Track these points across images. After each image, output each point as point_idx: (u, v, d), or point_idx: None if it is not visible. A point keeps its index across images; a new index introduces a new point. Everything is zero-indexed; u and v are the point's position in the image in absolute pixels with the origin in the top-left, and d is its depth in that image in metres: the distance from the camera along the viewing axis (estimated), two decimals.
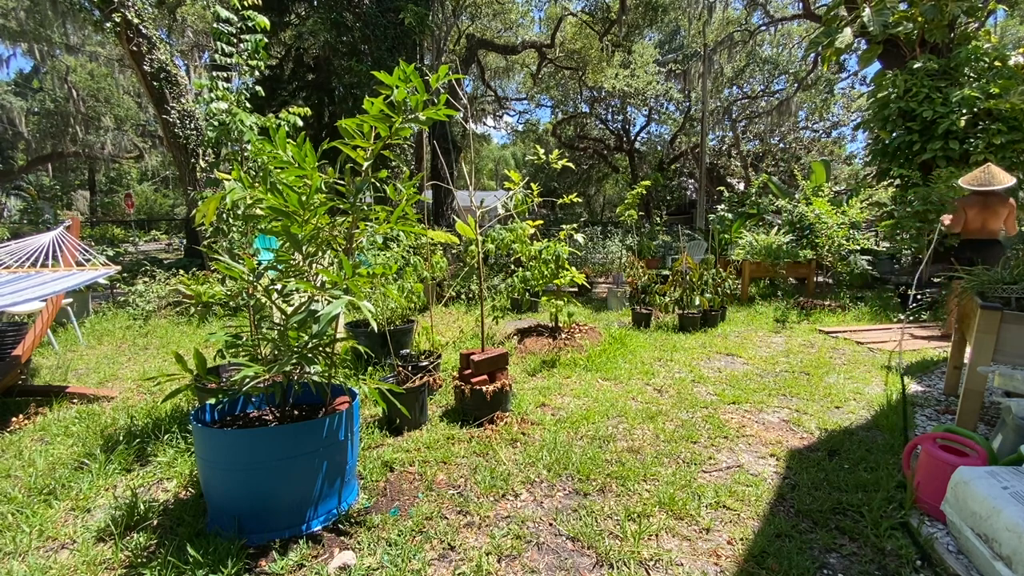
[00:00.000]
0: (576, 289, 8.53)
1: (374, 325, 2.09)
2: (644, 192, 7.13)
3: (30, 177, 25.09)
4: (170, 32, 15.47)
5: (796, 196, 8.84)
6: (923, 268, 5.77)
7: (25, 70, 24.71)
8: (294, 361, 2.07)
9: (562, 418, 3.15)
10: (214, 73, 3.14)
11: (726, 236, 9.79)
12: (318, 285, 2.02)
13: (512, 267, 8.20)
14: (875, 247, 7.92)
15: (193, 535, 1.93)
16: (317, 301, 2.08)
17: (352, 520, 2.09)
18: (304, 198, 2.01)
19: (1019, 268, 2.73)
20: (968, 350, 2.77)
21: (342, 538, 2.00)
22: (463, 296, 7.65)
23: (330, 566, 1.82)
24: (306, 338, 2.09)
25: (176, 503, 2.23)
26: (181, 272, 7.36)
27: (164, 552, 1.83)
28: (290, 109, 3.31)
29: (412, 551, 1.89)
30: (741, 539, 1.96)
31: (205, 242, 3.16)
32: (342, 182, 2.24)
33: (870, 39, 7.83)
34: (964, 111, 6.89)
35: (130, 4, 7.36)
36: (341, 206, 2.17)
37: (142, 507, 2.13)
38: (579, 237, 5.67)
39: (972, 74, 7.28)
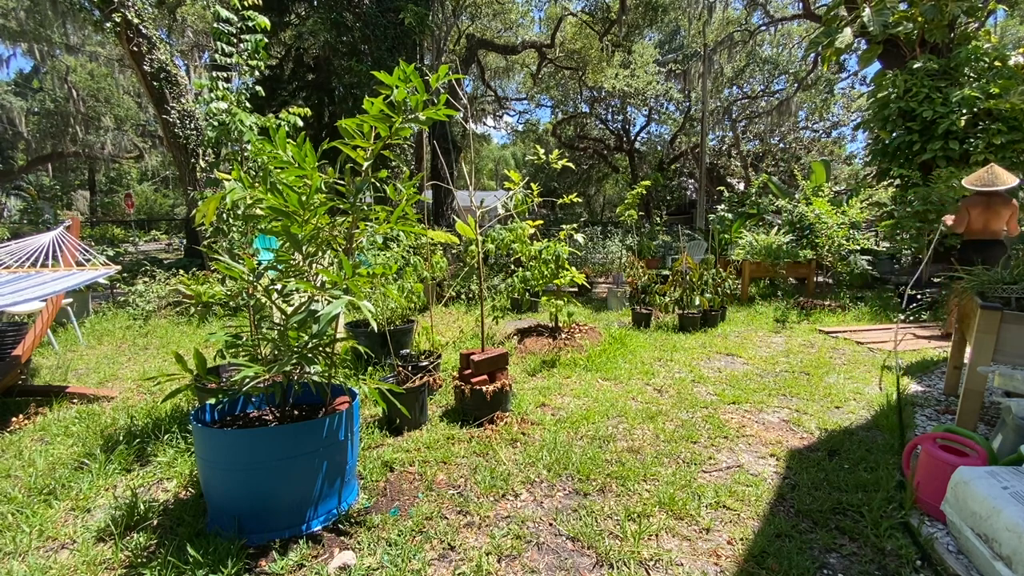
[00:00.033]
0: (576, 289, 8.53)
1: (374, 325, 2.09)
2: (644, 192, 7.13)
3: (30, 177, 25.09)
4: (170, 32, 15.47)
5: (796, 196, 8.85)
6: (923, 268, 5.77)
7: (25, 70, 24.74)
8: (294, 361, 2.07)
9: (562, 418, 3.15)
10: (214, 73, 3.14)
11: (726, 236, 9.79)
12: (318, 285, 2.02)
13: (512, 267, 8.20)
14: (875, 247, 7.92)
15: (193, 535, 1.93)
16: (317, 301, 2.08)
17: (352, 520, 2.09)
18: (304, 198, 2.01)
19: (1019, 268, 2.73)
20: (968, 350, 2.77)
21: (342, 538, 2.00)
22: (463, 296, 7.65)
23: (330, 566, 1.82)
24: (306, 338, 2.09)
25: (176, 503, 2.23)
26: (181, 272, 7.36)
27: (164, 552, 1.83)
28: (290, 109, 3.31)
29: (412, 551, 1.89)
30: (741, 539, 1.96)
31: (205, 242, 3.16)
32: (342, 182, 2.24)
33: (870, 39, 7.83)
34: (964, 111, 6.89)
35: (130, 4, 7.36)
36: (341, 206, 2.17)
37: (142, 507, 2.13)
38: (579, 237, 5.67)
39: (972, 74, 7.28)
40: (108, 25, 7.24)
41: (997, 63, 7.11)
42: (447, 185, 10.07)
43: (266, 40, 3.26)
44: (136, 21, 7.37)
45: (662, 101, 21.00)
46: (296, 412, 2.35)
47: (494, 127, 30.89)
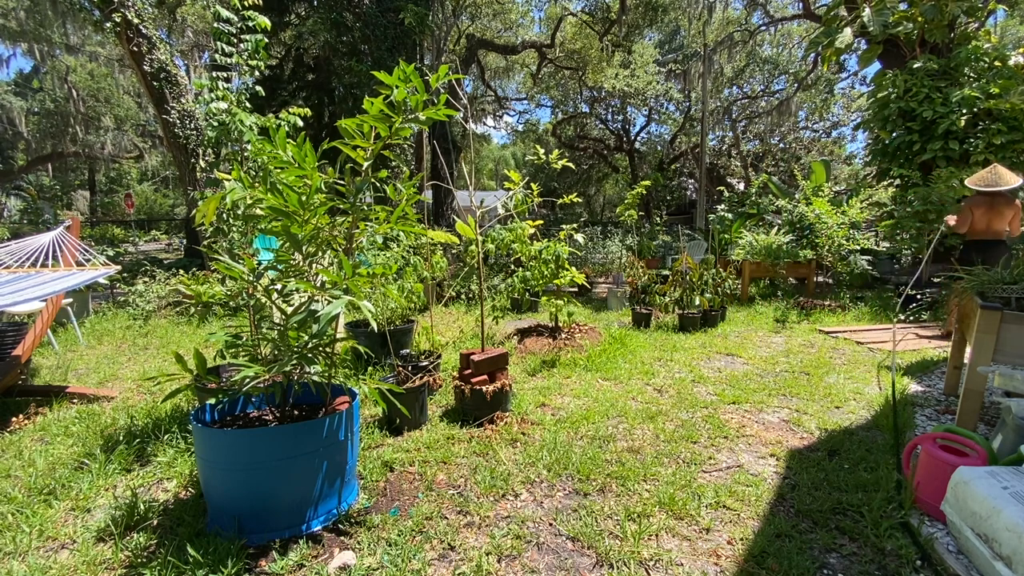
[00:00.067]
0: (576, 289, 8.53)
1: (374, 325, 2.09)
2: (644, 192, 7.13)
3: (30, 177, 25.09)
4: (170, 32, 15.47)
5: (796, 196, 8.85)
6: (923, 268, 5.77)
7: (25, 70, 24.75)
8: (294, 361, 2.07)
9: (562, 418, 3.15)
10: (214, 73, 3.14)
11: (726, 236, 9.79)
12: (318, 285, 2.02)
13: (512, 267, 8.20)
14: (875, 247, 7.92)
15: (193, 535, 1.93)
16: (317, 301, 2.08)
17: (352, 520, 2.09)
18: (304, 198, 2.01)
19: (1019, 268, 2.73)
20: (968, 350, 2.77)
21: (342, 538, 2.00)
22: (463, 296, 7.65)
23: (330, 566, 1.82)
24: (306, 338, 2.09)
25: (176, 503, 2.23)
26: (181, 272, 7.36)
27: (164, 552, 1.83)
28: (290, 109, 3.31)
29: (412, 551, 1.89)
30: (741, 539, 1.96)
31: (205, 242, 3.16)
32: (342, 182, 2.24)
33: (870, 39, 7.83)
34: (964, 111, 6.89)
35: (130, 4, 7.36)
36: (341, 206, 2.17)
37: (142, 507, 2.13)
38: (579, 237, 5.67)
39: (972, 74, 7.28)
40: (108, 25, 7.24)
41: (997, 63, 7.11)
42: (447, 185, 10.07)
43: (266, 40, 3.26)
44: (136, 21, 7.37)
45: (662, 101, 21.01)
46: (296, 412, 2.35)
47: (494, 127, 30.92)
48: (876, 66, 8.50)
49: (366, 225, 2.25)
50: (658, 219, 13.74)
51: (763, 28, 18.05)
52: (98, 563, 1.85)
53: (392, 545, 1.93)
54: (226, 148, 3.20)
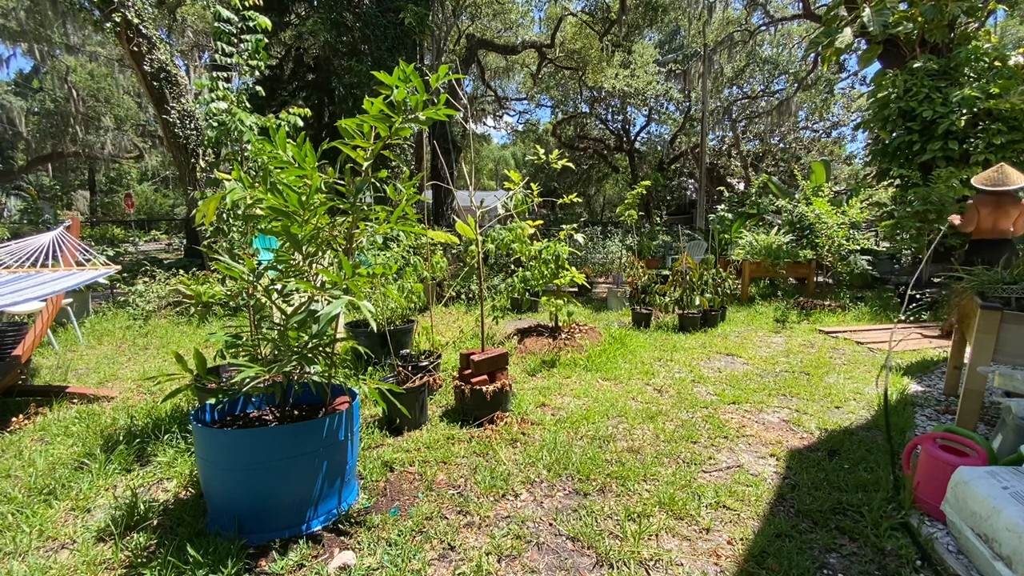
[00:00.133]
0: (576, 289, 8.53)
1: (374, 325, 2.09)
2: (644, 192, 7.13)
3: (30, 177, 25.10)
4: (170, 32, 15.47)
5: (796, 196, 8.85)
6: (923, 268, 5.77)
7: (25, 70, 24.76)
8: (294, 361, 2.07)
9: (562, 418, 3.15)
10: (214, 73, 3.14)
11: (726, 236, 9.79)
12: (318, 285, 2.02)
13: (512, 267, 8.20)
14: (875, 247, 7.92)
15: (193, 535, 1.93)
16: (317, 301, 2.08)
17: (352, 520, 2.09)
18: (304, 198, 2.01)
19: (1019, 268, 2.73)
20: (968, 350, 2.76)
21: (342, 538, 2.00)
22: (463, 296, 7.65)
23: (330, 566, 1.82)
24: (306, 338, 2.09)
25: (176, 503, 2.23)
26: (181, 272, 7.36)
27: (164, 552, 1.84)
28: (290, 109, 3.31)
29: (412, 551, 1.89)
30: (741, 539, 1.96)
31: (205, 242, 3.16)
32: (342, 182, 2.24)
33: (870, 39, 7.83)
34: (964, 111, 6.89)
35: (130, 4, 7.36)
36: (341, 206, 2.17)
37: (142, 507, 2.13)
38: (579, 237, 5.68)
39: (972, 74, 7.28)
40: (108, 25, 7.24)
41: (997, 63, 7.11)
42: (447, 185, 10.07)
43: (266, 40, 3.26)
44: (136, 21, 7.37)
45: (662, 101, 21.01)
46: (296, 412, 2.35)
47: (494, 127, 30.91)
48: (876, 66, 8.51)
49: (366, 225, 2.25)
50: (658, 219, 13.74)
51: (763, 28, 18.06)
52: (98, 563, 1.85)
53: (392, 545, 1.93)
54: (226, 148, 3.20)
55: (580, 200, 7.66)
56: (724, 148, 23.13)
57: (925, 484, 2.13)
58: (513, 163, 37.51)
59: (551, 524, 2.08)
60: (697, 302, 5.76)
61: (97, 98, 21.80)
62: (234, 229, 2.83)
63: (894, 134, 7.69)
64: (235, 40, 3.20)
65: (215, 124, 2.96)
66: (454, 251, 8.75)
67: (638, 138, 23.71)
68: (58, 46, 18.51)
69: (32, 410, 3.34)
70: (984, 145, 6.70)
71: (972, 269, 2.92)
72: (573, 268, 5.06)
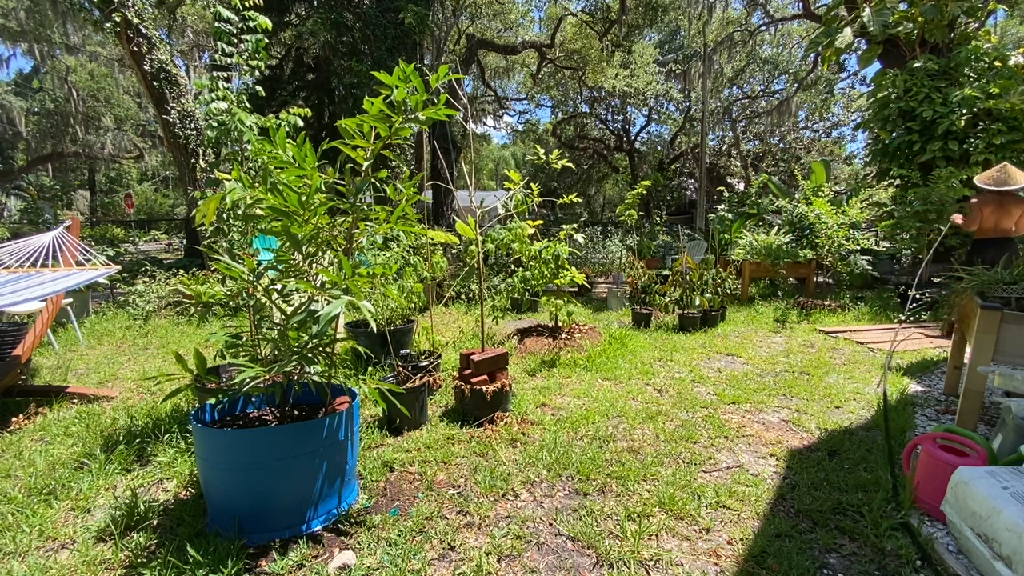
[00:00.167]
0: (576, 289, 8.53)
1: (374, 325, 2.09)
2: (644, 192, 7.13)
3: (30, 177, 25.10)
4: (170, 32, 15.47)
5: (796, 196, 8.85)
6: (923, 268, 5.77)
7: (25, 70, 24.76)
8: (294, 361, 2.07)
9: (562, 418, 3.15)
10: (214, 73, 3.14)
11: (726, 236, 9.79)
12: (318, 285, 2.02)
13: (512, 267, 8.20)
14: (875, 247, 7.92)
15: (193, 535, 1.93)
16: (317, 301, 2.08)
17: (352, 520, 2.09)
18: (304, 198, 2.01)
19: (1019, 268, 2.73)
20: (968, 350, 2.76)
21: (342, 538, 2.00)
22: (463, 296, 7.65)
23: (330, 566, 1.82)
24: (306, 338, 2.09)
25: (176, 503, 2.23)
26: (181, 272, 7.36)
27: (164, 552, 1.83)
28: (290, 109, 3.31)
29: (412, 551, 1.89)
30: (741, 539, 1.96)
31: (205, 242, 3.16)
32: (342, 182, 2.24)
33: (870, 39, 7.83)
34: (964, 111, 6.89)
35: (130, 4, 7.36)
36: (341, 206, 2.17)
37: (142, 507, 2.13)
38: (579, 237, 5.68)
39: (972, 74, 7.28)
40: (108, 25, 7.24)
41: (997, 63, 7.10)
42: (447, 185, 10.08)
43: (266, 40, 3.26)
44: (136, 21, 7.37)
45: (662, 101, 21.01)
46: (296, 412, 2.35)
47: (494, 127, 30.92)
48: (876, 66, 8.51)
49: (366, 225, 2.25)
50: (658, 219, 13.74)
51: (763, 28, 18.06)
52: (98, 563, 1.85)
53: (392, 545, 1.93)
54: (226, 148, 3.20)
55: (580, 200, 7.66)
56: (724, 148, 23.13)
57: (925, 484, 2.13)
58: (513, 163, 37.52)
59: (551, 524, 2.08)
60: (697, 302, 5.76)
61: (97, 98, 21.80)
62: (234, 229, 2.83)
63: (894, 134, 7.69)
64: (235, 40, 3.20)
65: (215, 124, 2.96)
66: (454, 251, 8.75)
67: (638, 138, 23.72)
68: (58, 46, 18.52)
69: (32, 410, 3.34)
70: (984, 145, 6.70)
71: (972, 269, 2.92)
72: (573, 268, 5.06)
